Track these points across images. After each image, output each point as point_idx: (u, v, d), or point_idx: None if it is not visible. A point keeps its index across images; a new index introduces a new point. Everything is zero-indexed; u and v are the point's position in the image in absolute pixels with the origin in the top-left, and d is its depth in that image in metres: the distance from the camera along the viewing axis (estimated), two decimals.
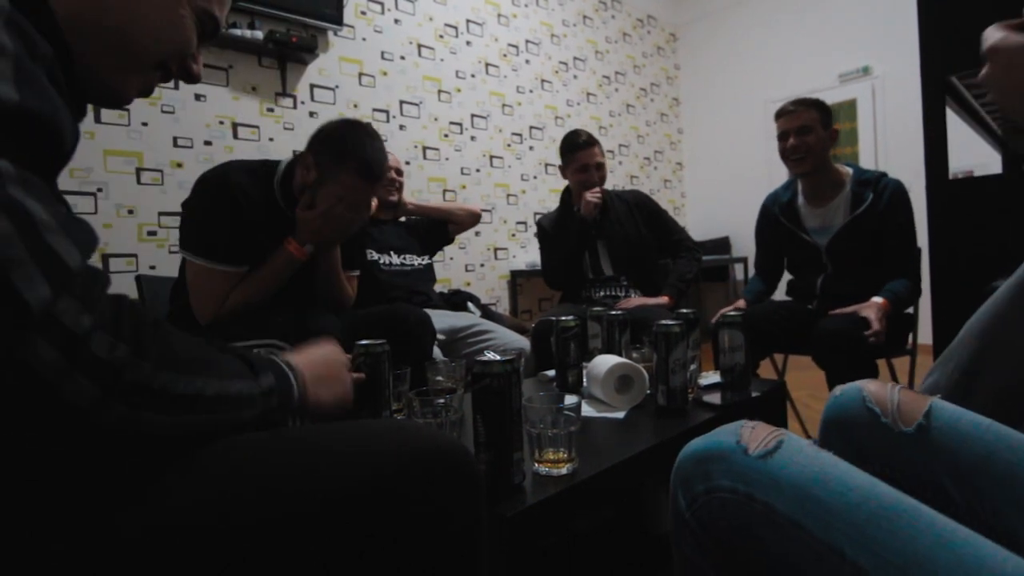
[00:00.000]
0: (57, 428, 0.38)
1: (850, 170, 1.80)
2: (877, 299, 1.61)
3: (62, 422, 0.37)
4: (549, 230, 2.22)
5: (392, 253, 1.97)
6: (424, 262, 2.05)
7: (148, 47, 0.55)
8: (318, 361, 0.68)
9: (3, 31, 0.37)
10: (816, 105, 1.75)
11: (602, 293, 2.12)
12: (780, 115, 1.78)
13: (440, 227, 2.15)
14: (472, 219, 2.16)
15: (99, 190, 2.16)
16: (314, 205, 1.29)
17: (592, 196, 2.03)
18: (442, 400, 0.85)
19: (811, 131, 1.71)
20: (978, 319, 0.72)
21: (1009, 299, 0.68)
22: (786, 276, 2.08)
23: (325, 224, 1.29)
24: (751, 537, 0.45)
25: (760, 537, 0.45)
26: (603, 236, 2.12)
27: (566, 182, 2.24)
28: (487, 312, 2.21)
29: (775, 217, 1.93)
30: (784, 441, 0.47)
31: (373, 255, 1.89)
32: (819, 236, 1.81)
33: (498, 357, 0.72)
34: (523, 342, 1.84)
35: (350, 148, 1.28)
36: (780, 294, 2.08)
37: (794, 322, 1.80)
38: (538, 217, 2.48)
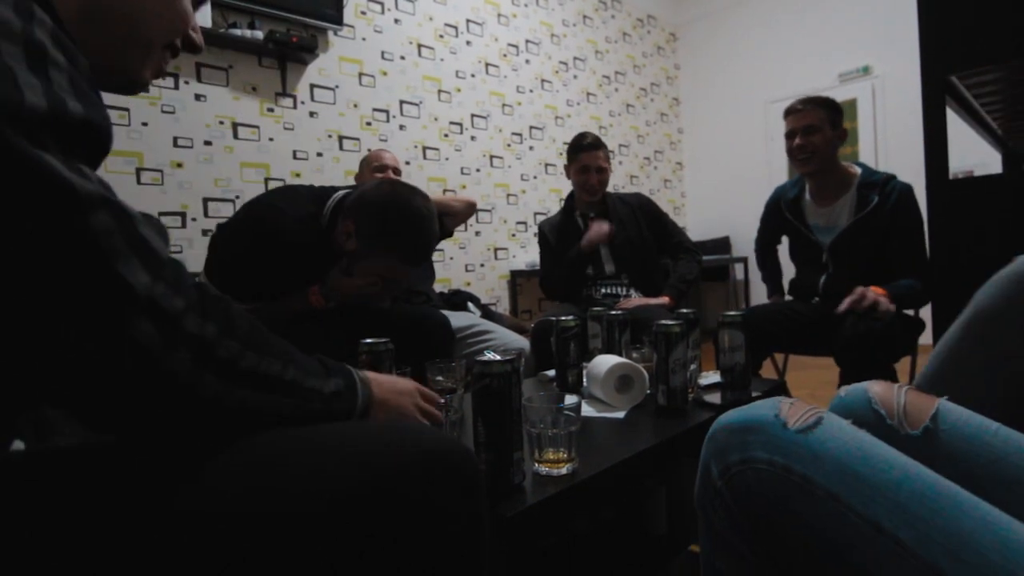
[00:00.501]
0: (160, 400, 0.41)
1: (859, 170, 1.78)
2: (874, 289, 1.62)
3: (164, 393, 0.41)
4: (549, 235, 2.23)
5: None
6: None
7: (156, 30, 0.56)
8: (388, 386, 0.68)
9: (53, 46, 0.39)
10: (825, 104, 1.74)
11: (603, 292, 2.12)
12: (788, 113, 1.77)
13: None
14: (469, 210, 2.11)
15: None
16: (351, 273, 1.24)
17: (604, 230, 2.04)
18: (442, 400, 0.85)
19: (818, 131, 1.70)
20: (936, 355, 0.72)
21: (958, 340, 0.68)
22: (788, 275, 2.07)
23: (359, 293, 1.26)
24: (787, 510, 0.45)
25: (796, 510, 0.44)
26: (675, 308, 2.12)
27: (567, 182, 2.24)
28: (487, 312, 2.21)
29: (780, 211, 1.93)
30: (824, 418, 0.47)
31: None
32: (822, 235, 1.81)
33: (498, 357, 0.72)
34: (523, 342, 1.83)
35: (397, 233, 1.18)
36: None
37: (796, 322, 1.80)
38: (540, 220, 2.48)
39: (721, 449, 0.49)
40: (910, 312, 1.76)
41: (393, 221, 1.18)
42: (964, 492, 0.40)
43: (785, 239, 2.06)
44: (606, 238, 2.06)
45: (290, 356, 0.50)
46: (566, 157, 2.20)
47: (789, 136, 1.76)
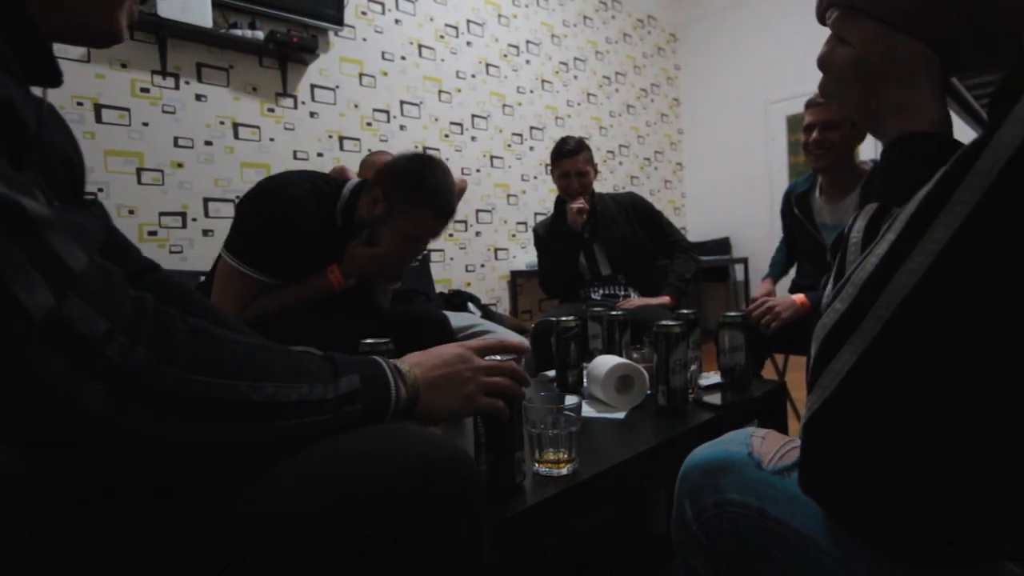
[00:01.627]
0: (80, 441, 0.35)
1: (869, 166, 1.75)
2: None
3: (82, 434, 0.35)
4: (543, 236, 2.24)
5: None
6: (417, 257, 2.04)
7: None
8: (438, 363, 0.60)
9: None
10: None
11: (601, 293, 2.12)
12: (809, 105, 1.73)
13: None
14: (459, 195, 2.06)
15: (100, 190, 2.16)
16: (373, 242, 1.25)
17: (575, 205, 2.05)
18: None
19: (837, 127, 1.64)
20: None
21: None
22: (790, 276, 2.07)
23: (378, 263, 1.26)
24: (762, 553, 0.44)
25: (772, 554, 0.43)
26: (598, 238, 2.12)
27: None
28: (487, 312, 2.22)
29: (790, 206, 1.92)
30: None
31: None
32: (828, 233, 1.79)
33: (498, 358, 0.72)
34: (522, 341, 1.83)
35: (429, 186, 1.23)
36: (783, 291, 2.09)
37: (796, 322, 1.79)
38: (540, 220, 2.48)
39: (695, 489, 0.48)
40: None
41: (428, 176, 1.23)
42: None
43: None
44: (581, 213, 2.04)
45: (267, 370, 0.43)
46: (550, 162, 2.20)
47: (807, 129, 1.72)
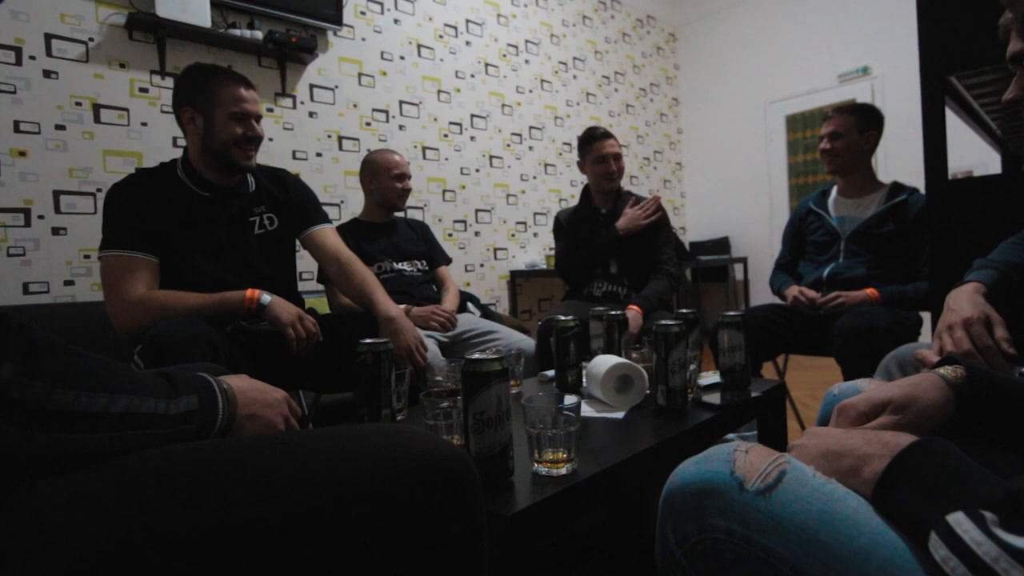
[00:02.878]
0: None
1: (889, 182, 1.93)
2: (867, 291, 1.73)
3: None
4: (565, 224, 2.24)
5: (393, 261, 2.00)
6: (423, 267, 2.06)
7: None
8: (256, 396, 0.65)
9: None
10: (855, 110, 1.87)
11: (603, 290, 2.12)
12: (825, 118, 1.94)
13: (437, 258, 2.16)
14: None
15: (99, 190, 2.16)
16: (212, 128, 1.39)
17: (641, 214, 2.07)
18: (447, 403, 0.85)
19: (841, 136, 1.85)
20: None
21: None
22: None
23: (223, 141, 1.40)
24: None
25: None
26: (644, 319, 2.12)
27: (567, 183, 2.24)
28: (487, 312, 2.22)
29: (807, 208, 2.04)
30: (786, 472, 0.43)
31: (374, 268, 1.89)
32: (843, 223, 1.91)
33: (480, 355, 0.72)
34: (528, 342, 1.83)
35: (205, 69, 1.41)
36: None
37: (796, 322, 1.80)
38: (539, 219, 2.48)
39: (677, 514, 0.46)
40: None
41: (199, 67, 1.43)
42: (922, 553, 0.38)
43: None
44: (647, 217, 2.08)
45: (120, 386, 0.46)
46: (578, 152, 2.21)
47: (821, 139, 1.93)
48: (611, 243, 2.08)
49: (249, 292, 1.32)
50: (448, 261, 2.19)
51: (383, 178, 2.03)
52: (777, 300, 2.02)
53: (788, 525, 0.40)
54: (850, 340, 1.53)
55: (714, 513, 0.43)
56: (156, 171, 1.44)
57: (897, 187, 1.87)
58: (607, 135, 2.14)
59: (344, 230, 1.96)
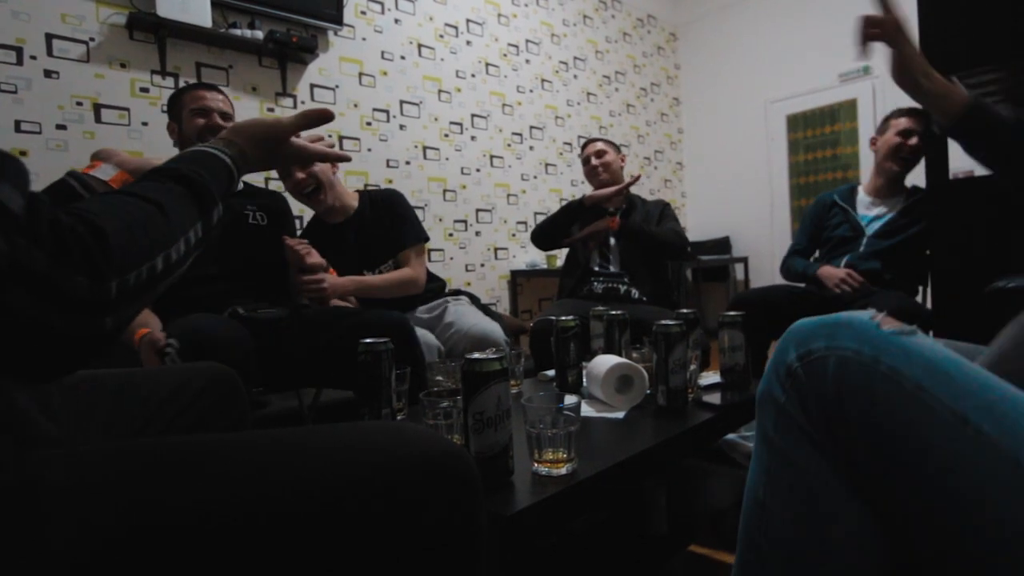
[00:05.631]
0: (70, 354, 0.42)
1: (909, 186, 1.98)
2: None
3: (68, 349, 0.41)
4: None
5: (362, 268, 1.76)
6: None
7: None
8: (263, 143, 0.71)
9: None
10: (922, 112, 1.86)
11: (603, 287, 2.13)
12: (912, 113, 1.89)
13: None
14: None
15: None
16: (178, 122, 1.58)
17: (611, 191, 2.13)
18: (447, 403, 0.85)
19: (918, 135, 1.86)
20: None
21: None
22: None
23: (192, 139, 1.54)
24: (869, 397, 0.44)
25: (879, 398, 0.44)
26: (622, 236, 2.14)
27: (567, 183, 2.28)
28: (486, 312, 2.21)
29: (831, 201, 2.07)
30: (918, 333, 0.47)
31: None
32: (868, 222, 1.96)
33: (479, 355, 0.72)
34: (486, 324, 1.73)
35: (181, 90, 1.61)
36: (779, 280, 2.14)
37: (812, 302, 1.89)
38: (540, 219, 2.50)
39: (804, 338, 0.48)
40: (917, 298, 1.95)
41: (177, 90, 1.61)
42: None
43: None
44: (604, 228, 2.13)
45: (168, 232, 0.50)
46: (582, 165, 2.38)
47: (905, 135, 1.87)
48: (574, 208, 2.17)
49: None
50: (417, 239, 1.80)
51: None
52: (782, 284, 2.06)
53: (917, 356, 0.44)
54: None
55: (847, 337, 0.46)
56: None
57: (916, 189, 1.93)
58: (594, 139, 2.32)
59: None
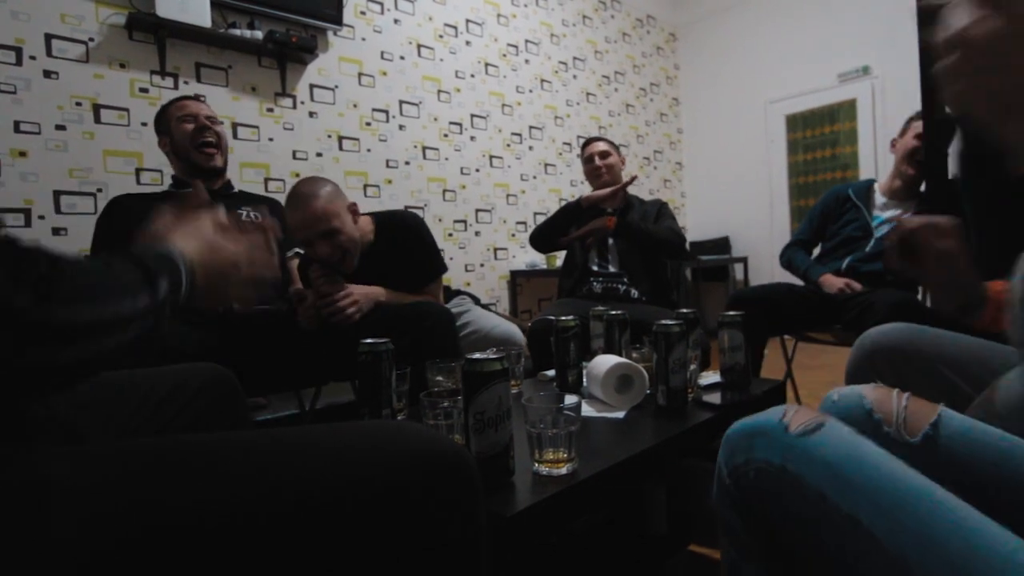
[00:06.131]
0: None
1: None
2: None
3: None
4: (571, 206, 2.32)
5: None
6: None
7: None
8: (214, 260, 0.65)
9: None
10: None
11: (602, 287, 2.14)
12: (912, 119, 1.99)
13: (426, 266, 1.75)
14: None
15: (99, 190, 2.16)
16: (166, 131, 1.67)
17: (607, 192, 2.13)
18: (447, 403, 0.85)
19: None
20: None
21: None
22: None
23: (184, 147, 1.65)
24: (781, 505, 0.49)
25: (787, 504, 0.48)
26: (619, 235, 2.15)
27: (567, 183, 2.29)
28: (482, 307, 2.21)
29: (845, 196, 2.07)
30: (825, 424, 0.50)
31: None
32: (878, 223, 1.97)
33: (479, 355, 0.72)
34: (507, 326, 1.76)
35: (165, 105, 1.72)
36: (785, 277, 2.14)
37: (813, 301, 1.89)
38: (539, 220, 2.51)
39: (732, 451, 0.54)
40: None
41: (163, 107, 1.70)
42: (949, 496, 0.42)
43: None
44: (601, 227, 2.13)
45: (116, 286, 0.48)
46: (582, 164, 2.39)
47: (920, 138, 1.93)
48: (571, 209, 2.17)
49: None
50: (439, 273, 1.76)
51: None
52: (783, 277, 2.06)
53: (817, 460, 0.47)
54: (892, 315, 1.56)
55: (761, 447, 0.51)
56: (147, 193, 1.68)
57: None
58: (596, 138, 2.34)
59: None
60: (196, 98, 1.69)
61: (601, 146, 2.28)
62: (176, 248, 0.60)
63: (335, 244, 1.51)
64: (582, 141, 2.40)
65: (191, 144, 1.62)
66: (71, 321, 0.42)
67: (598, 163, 2.24)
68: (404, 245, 1.69)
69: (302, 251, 1.66)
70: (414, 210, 3.14)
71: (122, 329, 0.47)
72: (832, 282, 1.88)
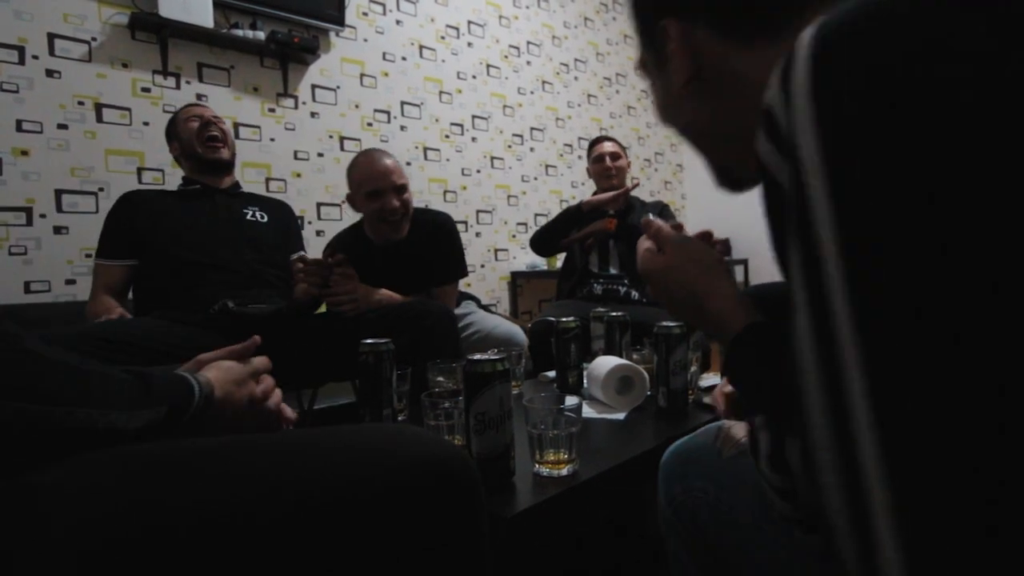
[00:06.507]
0: None
1: None
2: None
3: None
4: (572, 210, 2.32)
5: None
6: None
7: None
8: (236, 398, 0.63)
9: None
10: None
11: (602, 288, 2.14)
12: None
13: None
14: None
15: (100, 189, 2.16)
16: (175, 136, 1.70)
17: (609, 197, 2.13)
18: (448, 404, 0.85)
19: None
20: None
21: None
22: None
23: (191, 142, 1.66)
24: (717, 530, 0.49)
25: (725, 530, 0.48)
26: (620, 237, 2.15)
27: (567, 184, 2.29)
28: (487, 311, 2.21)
29: None
30: None
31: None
32: None
33: (480, 356, 0.72)
34: (508, 326, 1.79)
35: (172, 116, 1.73)
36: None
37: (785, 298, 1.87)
38: (540, 221, 2.52)
39: (668, 477, 0.54)
40: None
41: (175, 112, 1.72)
42: None
43: None
44: (602, 229, 2.14)
45: (84, 393, 0.45)
46: (587, 160, 2.40)
47: None
48: (572, 213, 2.17)
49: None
50: (459, 276, 1.79)
51: (358, 200, 1.66)
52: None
53: (751, 484, 0.46)
54: None
55: (696, 475, 0.51)
56: (157, 190, 1.71)
57: None
58: (607, 138, 2.34)
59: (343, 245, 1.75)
60: (202, 104, 1.75)
61: (611, 147, 2.29)
62: (195, 375, 0.58)
63: (403, 200, 1.63)
64: (590, 141, 2.41)
65: (197, 139, 1.63)
66: (22, 419, 0.40)
67: (609, 164, 2.25)
68: (434, 243, 1.72)
69: (305, 253, 1.67)
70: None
71: (87, 444, 0.45)
72: None
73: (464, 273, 1.80)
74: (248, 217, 1.64)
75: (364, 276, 1.56)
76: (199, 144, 1.64)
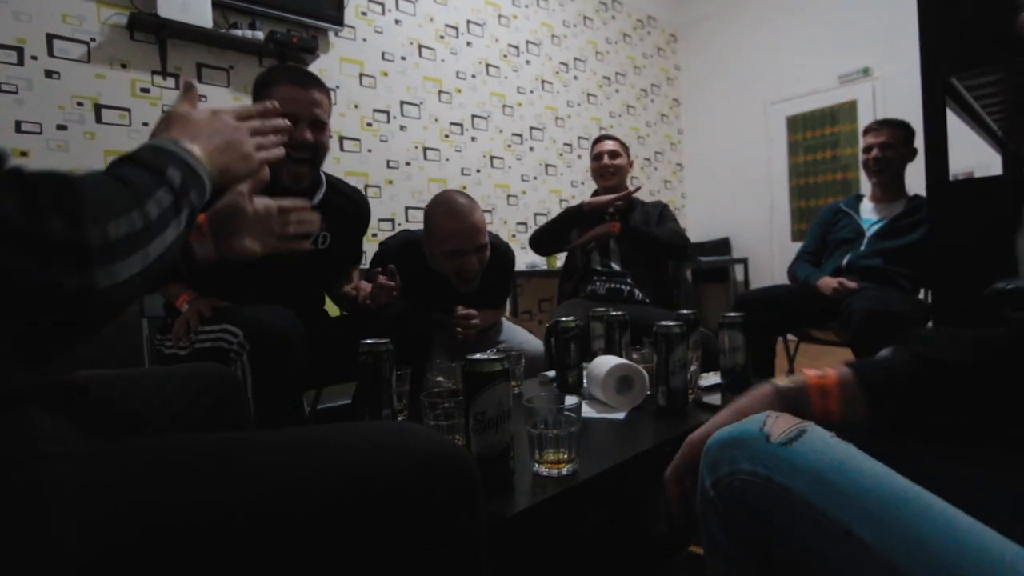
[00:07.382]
0: (48, 307, 0.38)
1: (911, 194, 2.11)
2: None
3: (44, 303, 0.38)
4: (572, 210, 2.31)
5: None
6: None
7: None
8: (216, 140, 0.63)
9: None
10: (901, 125, 2.06)
11: (606, 287, 2.14)
12: (869, 130, 2.13)
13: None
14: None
15: None
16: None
17: (610, 199, 2.12)
18: (448, 404, 0.85)
19: (892, 147, 2.04)
20: None
21: None
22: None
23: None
24: (768, 516, 0.49)
25: (774, 515, 0.48)
26: (623, 240, 2.15)
27: (567, 184, 2.29)
28: None
29: (837, 208, 2.25)
30: (806, 431, 0.50)
31: None
32: (870, 224, 2.11)
33: (480, 356, 0.72)
34: (537, 342, 1.83)
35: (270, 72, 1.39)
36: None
37: (814, 300, 1.98)
38: (540, 221, 2.51)
39: (714, 463, 0.54)
40: (919, 295, 2.05)
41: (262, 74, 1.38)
42: (935, 498, 0.43)
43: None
44: (605, 233, 2.13)
45: (139, 191, 0.47)
46: (589, 160, 2.40)
47: (866, 150, 2.10)
48: (572, 214, 2.16)
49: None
50: (501, 304, 1.86)
51: (436, 251, 1.56)
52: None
53: (802, 469, 0.47)
54: (865, 325, 1.62)
55: (742, 459, 0.51)
56: None
57: (916, 197, 2.05)
58: (608, 136, 2.34)
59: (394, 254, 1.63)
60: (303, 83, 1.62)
61: (611, 145, 2.29)
62: (169, 139, 0.59)
63: (482, 259, 1.54)
64: (592, 139, 2.41)
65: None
66: (109, 238, 0.41)
67: (607, 162, 2.25)
68: (494, 270, 1.68)
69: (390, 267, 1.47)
70: (414, 210, 3.14)
71: (159, 233, 0.47)
72: (827, 283, 1.98)
73: (505, 303, 1.85)
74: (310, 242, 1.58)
75: (417, 293, 1.50)
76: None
